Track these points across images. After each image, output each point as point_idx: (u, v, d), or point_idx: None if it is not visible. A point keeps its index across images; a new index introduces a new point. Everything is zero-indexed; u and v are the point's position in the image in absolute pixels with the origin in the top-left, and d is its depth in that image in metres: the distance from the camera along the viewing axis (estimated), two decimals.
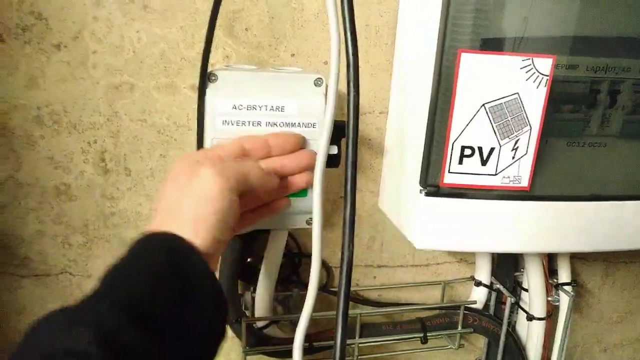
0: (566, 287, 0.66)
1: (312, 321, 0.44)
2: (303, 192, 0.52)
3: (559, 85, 0.50)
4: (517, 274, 0.70)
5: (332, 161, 0.55)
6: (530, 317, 0.66)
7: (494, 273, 0.68)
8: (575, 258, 0.76)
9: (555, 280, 0.68)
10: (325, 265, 0.65)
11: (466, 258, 0.70)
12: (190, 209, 0.37)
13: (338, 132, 0.55)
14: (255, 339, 0.59)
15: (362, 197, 0.64)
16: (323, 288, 0.65)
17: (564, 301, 0.66)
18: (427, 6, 0.49)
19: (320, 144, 0.44)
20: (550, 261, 0.69)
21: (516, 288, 0.70)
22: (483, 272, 0.66)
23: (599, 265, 0.77)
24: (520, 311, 0.69)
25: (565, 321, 0.66)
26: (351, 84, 0.36)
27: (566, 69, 0.50)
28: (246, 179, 0.40)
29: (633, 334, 0.83)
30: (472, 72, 0.47)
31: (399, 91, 0.58)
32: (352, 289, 0.66)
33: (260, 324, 0.60)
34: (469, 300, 0.66)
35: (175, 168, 0.40)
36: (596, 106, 0.53)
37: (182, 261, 0.34)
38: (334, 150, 0.54)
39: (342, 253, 0.36)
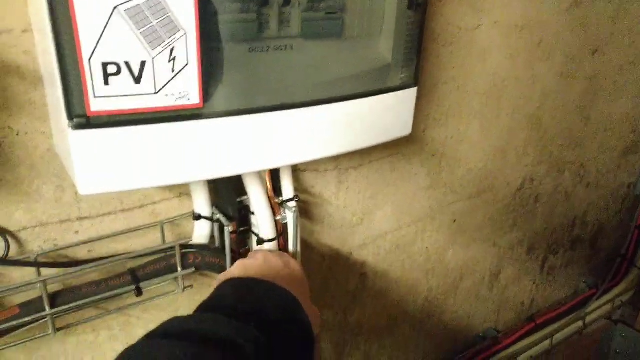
0: (289, 204, 0.64)
1: None
2: None
3: None
4: (244, 197, 0.65)
5: None
6: (260, 241, 0.63)
7: (216, 202, 0.62)
8: (308, 171, 0.75)
9: (281, 198, 0.65)
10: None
11: (187, 192, 0.63)
12: (292, 280, 0.54)
13: None
14: None
15: (32, 140, 0.51)
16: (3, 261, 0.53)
17: (290, 218, 0.64)
18: None
19: None
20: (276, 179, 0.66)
21: (246, 214, 0.66)
22: (201, 204, 0.60)
23: (331, 174, 0.77)
24: (253, 235, 0.66)
25: (293, 237, 0.65)
26: None
27: None
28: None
29: (374, 232, 0.88)
30: None
31: None
32: (49, 250, 0.55)
33: None
34: (187, 238, 0.60)
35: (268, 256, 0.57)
36: (269, 4, 0.48)
37: (298, 315, 0.47)
38: None
39: None
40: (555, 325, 1.38)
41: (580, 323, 1.42)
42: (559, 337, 1.37)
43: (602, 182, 1.36)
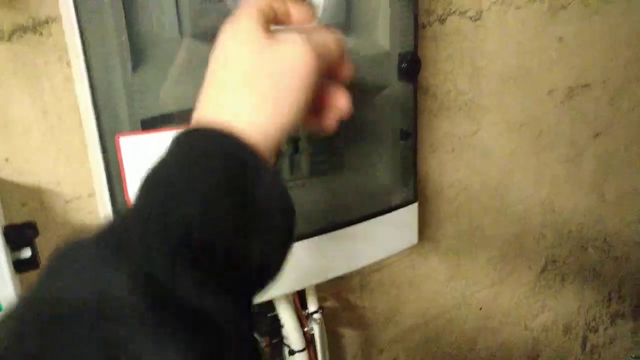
0: (315, 315, 0.71)
1: None
2: None
3: None
4: (274, 313, 0.72)
5: None
6: (291, 352, 0.70)
7: None
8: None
9: (307, 311, 0.72)
10: None
11: None
12: (270, 81, 0.29)
13: None
14: None
15: None
16: None
17: (316, 329, 0.71)
18: (83, 90, 0.48)
19: None
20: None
21: (277, 326, 0.72)
22: None
23: (355, 279, 0.84)
24: (284, 346, 0.72)
25: (321, 346, 0.70)
26: None
27: None
28: (329, 53, 0.31)
29: (403, 327, 0.93)
30: (137, 154, 0.47)
31: (97, 172, 0.56)
32: None
33: None
34: None
35: (231, 33, 0.30)
36: (282, 155, 0.58)
37: (246, 182, 0.27)
38: None
39: None
40: None
41: None
42: None
43: (631, 254, 1.36)
